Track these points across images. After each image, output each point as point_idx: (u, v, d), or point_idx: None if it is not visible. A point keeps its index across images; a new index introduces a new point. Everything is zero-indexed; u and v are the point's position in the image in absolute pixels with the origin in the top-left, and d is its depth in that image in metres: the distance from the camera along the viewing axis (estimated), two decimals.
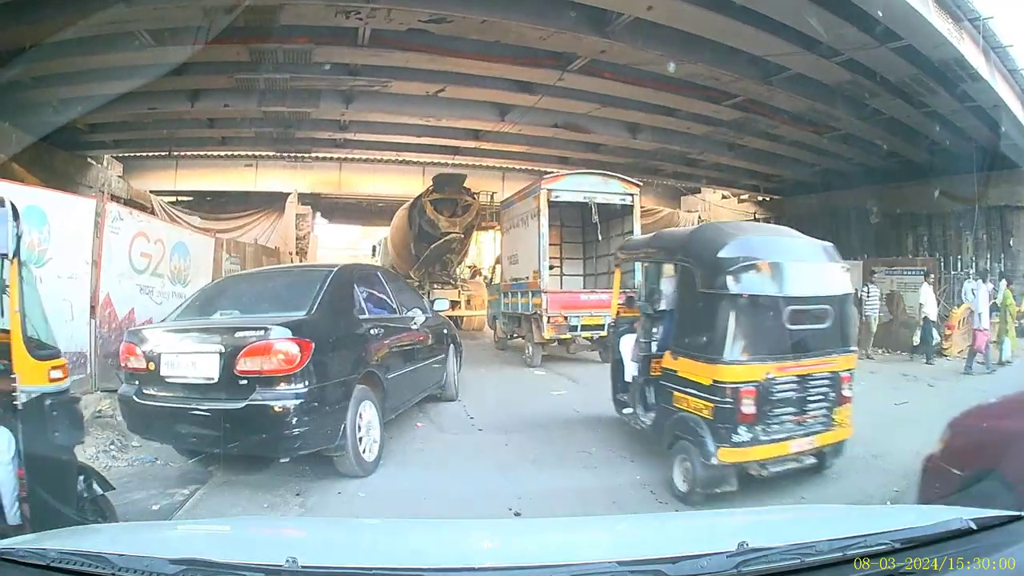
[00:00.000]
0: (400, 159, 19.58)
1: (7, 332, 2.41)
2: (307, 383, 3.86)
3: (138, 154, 19.12)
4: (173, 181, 21.80)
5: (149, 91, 9.95)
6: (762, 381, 3.71)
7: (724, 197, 21.81)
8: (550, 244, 10.27)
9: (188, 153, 20.46)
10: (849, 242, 16.88)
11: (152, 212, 19.81)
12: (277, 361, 3.81)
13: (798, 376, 3.87)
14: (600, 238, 10.88)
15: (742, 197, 20.43)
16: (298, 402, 3.80)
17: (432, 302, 6.94)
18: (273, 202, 21.81)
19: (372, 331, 4.78)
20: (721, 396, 3.71)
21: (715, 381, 3.75)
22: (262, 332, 3.87)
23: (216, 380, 3.90)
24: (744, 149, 13.85)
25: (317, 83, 10.26)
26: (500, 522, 2.89)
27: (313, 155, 16.57)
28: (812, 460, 4.09)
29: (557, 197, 9.83)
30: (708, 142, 13.14)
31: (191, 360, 4.01)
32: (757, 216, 19.85)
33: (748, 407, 3.66)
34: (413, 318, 5.64)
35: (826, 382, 3.99)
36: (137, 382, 4.23)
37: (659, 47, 8.23)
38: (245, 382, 3.83)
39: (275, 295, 4.76)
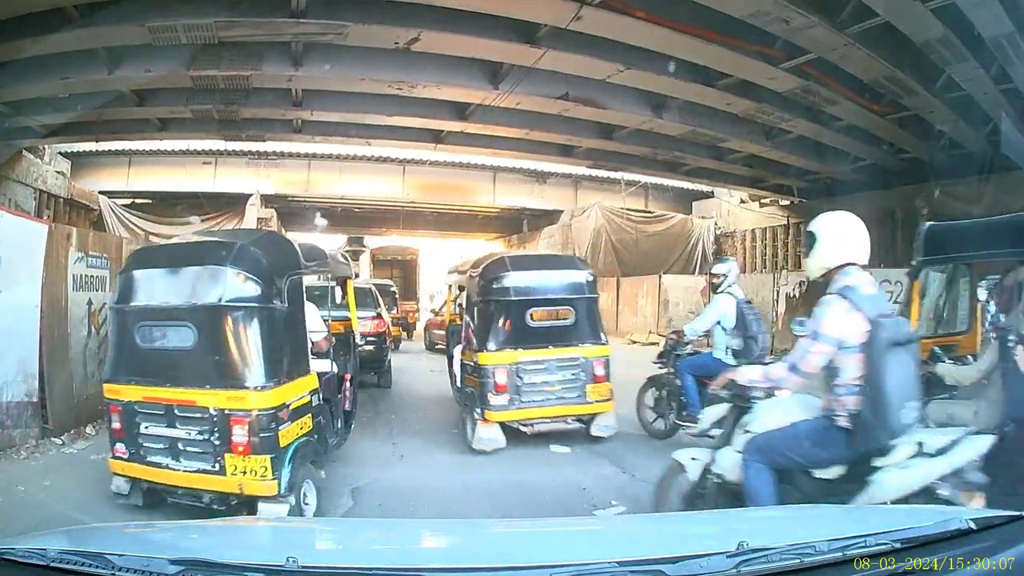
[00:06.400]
0: (374, 154, 17.49)
1: (344, 320, 5.72)
2: (387, 337, 9.79)
3: (81, 148, 17.77)
4: (125, 181, 20.15)
5: (58, 52, 8.52)
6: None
7: (743, 202, 19.66)
8: (389, 278, 18.35)
9: (136, 148, 18.84)
10: (896, 249, 14.62)
11: (98, 214, 17.96)
12: (376, 326, 8.98)
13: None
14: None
15: (764, 201, 18.23)
16: (385, 344, 9.32)
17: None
18: (235, 204, 20.05)
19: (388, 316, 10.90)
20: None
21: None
22: (372, 314, 9.11)
23: None
24: (785, 137, 11.57)
25: (252, 32, 7.91)
26: (500, 522, 2.87)
27: (268, 143, 14.55)
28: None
29: (378, 257, 19.60)
30: (747, 125, 10.83)
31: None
32: (789, 219, 17.43)
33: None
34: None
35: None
36: None
37: None
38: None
39: None
